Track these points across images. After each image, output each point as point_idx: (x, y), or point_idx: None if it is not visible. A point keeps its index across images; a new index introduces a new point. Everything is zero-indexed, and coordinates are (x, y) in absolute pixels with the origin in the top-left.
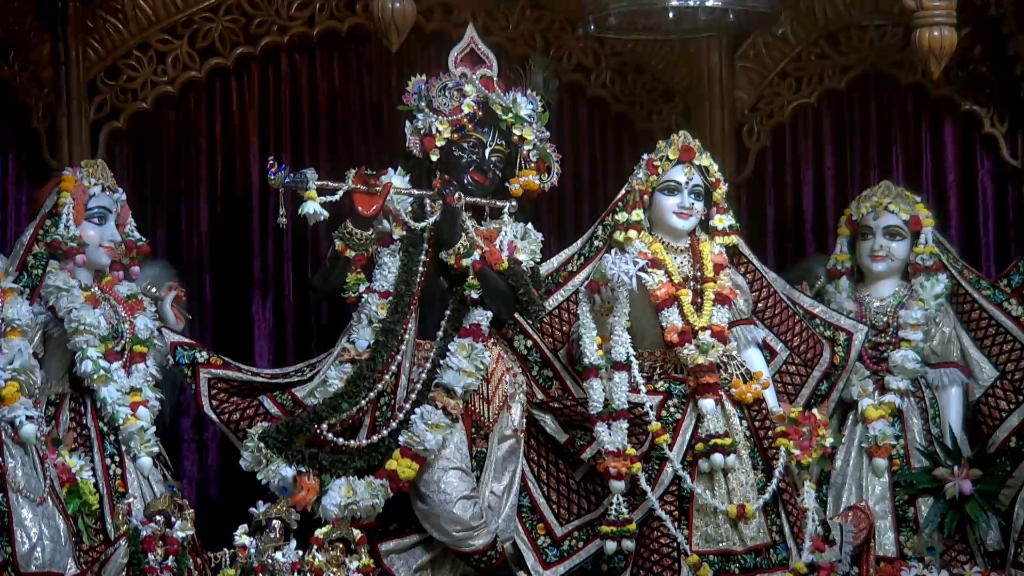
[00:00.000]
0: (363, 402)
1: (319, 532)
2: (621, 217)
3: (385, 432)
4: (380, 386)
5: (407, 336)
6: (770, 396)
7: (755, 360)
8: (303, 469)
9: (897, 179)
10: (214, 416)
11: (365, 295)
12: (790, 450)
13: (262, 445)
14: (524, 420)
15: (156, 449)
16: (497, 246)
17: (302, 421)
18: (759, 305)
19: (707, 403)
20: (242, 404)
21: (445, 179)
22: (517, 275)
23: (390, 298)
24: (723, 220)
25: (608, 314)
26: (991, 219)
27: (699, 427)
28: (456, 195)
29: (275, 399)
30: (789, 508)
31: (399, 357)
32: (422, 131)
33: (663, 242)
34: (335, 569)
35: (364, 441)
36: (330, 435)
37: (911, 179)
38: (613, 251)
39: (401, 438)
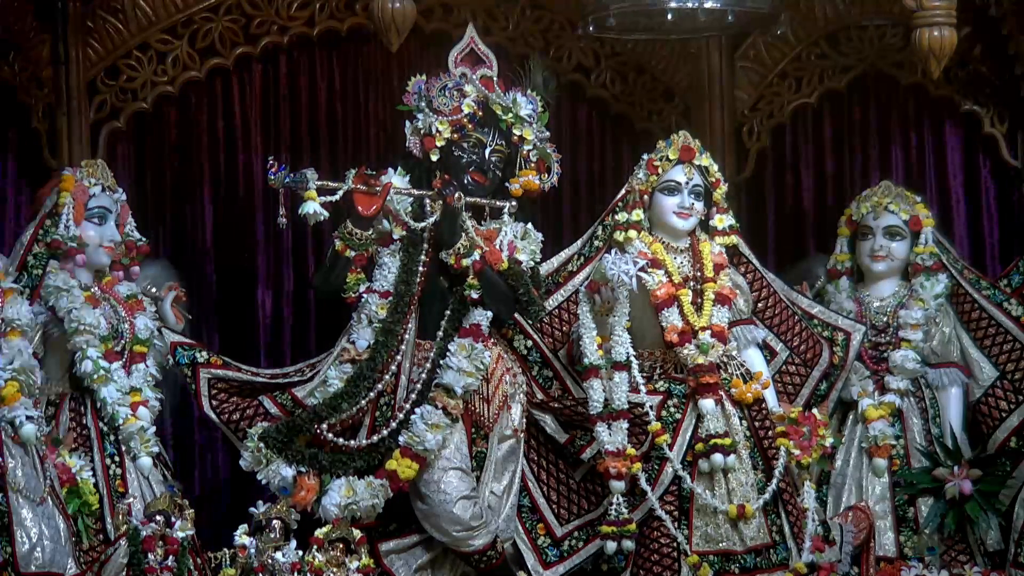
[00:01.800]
0: (363, 402)
1: (319, 532)
2: (621, 217)
3: (385, 432)
4: (380, 386)
5: (407, 336)
6: (770, 396)
7: (755, 360)
8: (303, 469)
9: (897, 179)
10: (214, 416)
11: (365, 295)
12: (790, 450)
13: (262, 445)
14: (524, 420)
15: (156, 449)
16: (497, 246)
17: (302, 421)
18: (759, 305)
19: (707, 403)
20: (242, 404)
21: (445, 179)
22: (517, 275)
23: (390, 298)
24: (723, 220)
25: (608, 314)
26: (992, 219)
27: (699, 427)
28: (456, 195)
29: (275, 399)
30: (789, 508)
31: (399, 357)
32: (422, 131)
33: (663, 242)
34: (335, 569)
35: (364, 441)
36: (330, 435)
37: (911, 179)
38: (613, 251)
39: (401, 438)
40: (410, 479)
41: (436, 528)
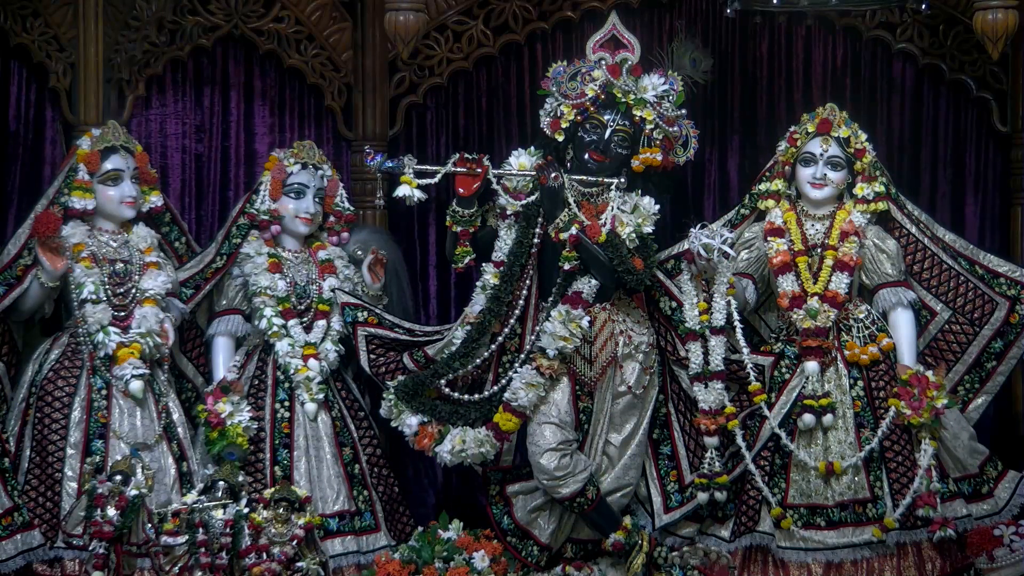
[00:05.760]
0: (477, 360)
1: (265, 492)
2: (763, 187)
3: (495, 388)
4: (494, 347)
5: (527, 303)
6: (908, 353)
7: (901, 321)
8: (426, 419)
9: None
10: (368, 369)
11: (484, 265)
12: (900, 410)
13: (393, 397)
14: (646, 378)
15: (321, 396)
16: (603, 220)
17: (424, 377)
18: (914, 268)
19: (810, 365)
20: (388, 359)
21: (547, 160)
22: (615, 247)
23: (502, 267)
24: (863, 188)
25: (710, 279)
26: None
27: (805, 388)
28: (552, 176)
29: (412, 355)
30: (892, 466)
31: (512, 321)
32: (550, 114)
33: (803, 210)
34: (278, 524)
35: (476, 396)
36: (446, 390)
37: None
38: (698, 226)
39: (506, 394)
40: (511, 431)
41: (535, 475)
